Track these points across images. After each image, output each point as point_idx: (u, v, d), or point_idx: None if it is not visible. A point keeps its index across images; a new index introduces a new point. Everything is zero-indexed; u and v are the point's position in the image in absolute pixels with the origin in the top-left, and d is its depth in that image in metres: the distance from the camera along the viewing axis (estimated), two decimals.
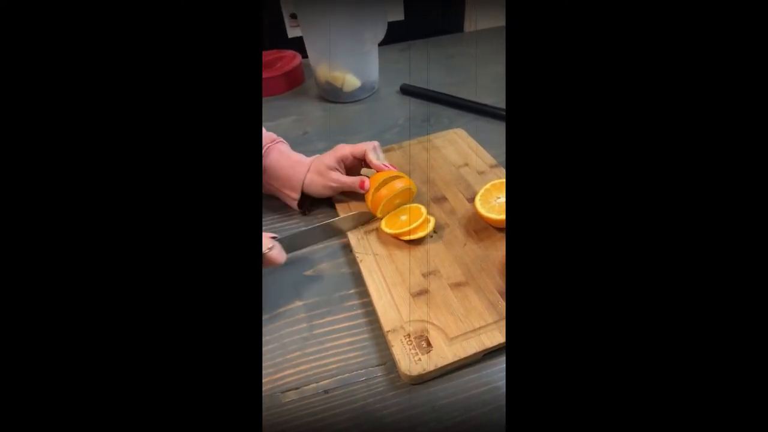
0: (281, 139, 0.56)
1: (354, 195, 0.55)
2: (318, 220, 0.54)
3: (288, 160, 0.54)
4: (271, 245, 0.42)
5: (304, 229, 0.47)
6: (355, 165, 0.55)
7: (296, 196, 0.53)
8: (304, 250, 0.50)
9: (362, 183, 0.52)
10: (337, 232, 0.51)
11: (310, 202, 0.56)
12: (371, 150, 0.52)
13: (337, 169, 0.53)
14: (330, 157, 0.53)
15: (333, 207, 0.55)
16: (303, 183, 0.52)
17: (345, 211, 0.53)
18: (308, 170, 0.53)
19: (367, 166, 0.53)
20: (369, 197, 0.50)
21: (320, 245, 0.51)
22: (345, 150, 0.53)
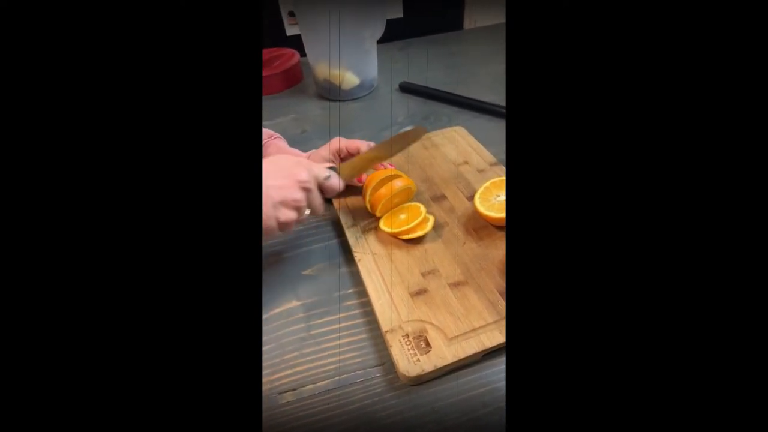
0: (278, 135, 0.56)
1: (352, 190, 0.55)
2: (315, 218, 0.54)
3: (284, 155, 0.53)
4: (327, 174, 0.43)
5: (355, 158, 0.47)
6: None
7: None
8: (302, 250, 0.50)
9: (359, 177, 0.51)
10: (389, 155, 0.51)
11: None
12: (365, 149, 0.51)
13: (333, 162, 0.53)
14: (325, 150, 0.52)
15: (330, 202, 0.55)
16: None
17: (342, 207, 0.53)
18: None
19: None
20: (366, 196, 0.50)
21: (319, 245, 0.50)
22: (340, 143, 0.53)
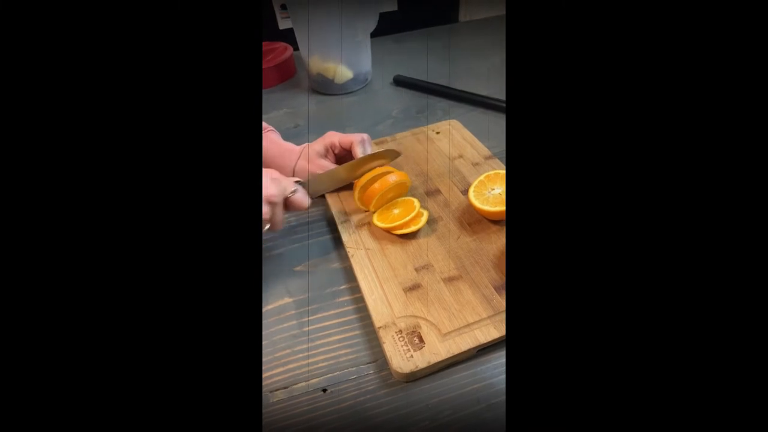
0: (272, 128, 0.56)
1: (345, 186, 0.54)
2: (308, 214, 0.53)
3: (278, 148, 0.53)
4: (294, 188, 0.43)
5: (324, 172, 0.48)
6: (345, 156, 0.53)
7: None
8: (295, 245, 0.49)
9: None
10: (356, 175, 0.50)
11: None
12: (358, 143, 0.50)
13: (326, 157, 0.52)
14: (319, 144, 0.52)
15: (323, 197, 0.54)
16: (293, 171, 0.51)
17: (335, 202, 0.52)
18: (299, 158, 0.52)
19: None
20: (356, 193, 0.49)
21: (311, 240, 0.50)
22: (334, 138, 0.52)
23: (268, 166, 0.52)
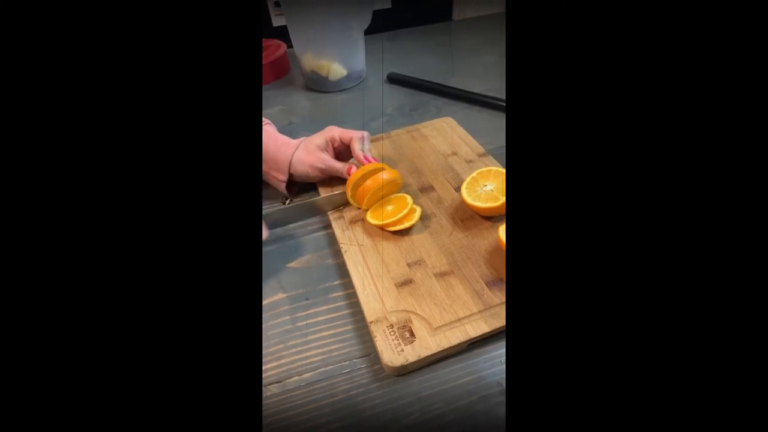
0: (268, 121, 0.56)
1: (340, 181, 0.54)
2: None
3: (275, 141, 0.53)
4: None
5: (285, 207, 0.49)
6: (344, 151, 0.54)
7: (284, 178, 0.53)
8: (289, 242, 0.49)
9: (349, 169, 0.51)
10: (317, 212, 0.51)
11: (298, 189, 0.56)
12: (358, 139, 0.51)
13: (326, 151, 0.52)
14: (320, 138, 0.52)
15: (317, 192, 0.55)
16: (290, 163, 0.52)
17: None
18: (295, 150, 0.52)
19: None
20: (348, 191, 0.49)
21: (305, 237, 0.50)
22: (334, 132, 0.52)
23: (264, 161, 0.53)
